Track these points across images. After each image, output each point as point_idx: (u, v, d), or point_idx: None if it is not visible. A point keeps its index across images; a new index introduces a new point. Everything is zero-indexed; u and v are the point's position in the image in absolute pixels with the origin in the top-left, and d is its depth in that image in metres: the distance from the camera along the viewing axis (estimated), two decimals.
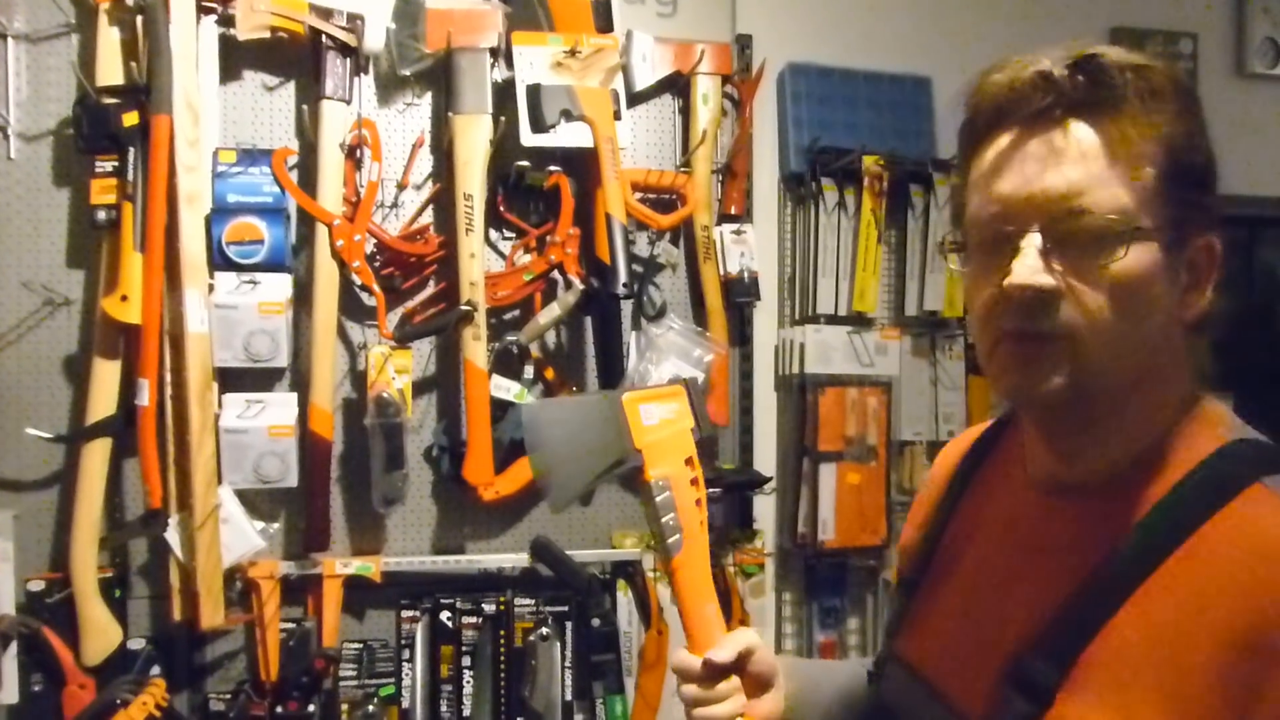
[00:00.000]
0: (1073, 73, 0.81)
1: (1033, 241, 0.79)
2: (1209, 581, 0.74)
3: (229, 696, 2.07)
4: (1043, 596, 0.84)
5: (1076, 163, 0.79)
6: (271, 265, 2.03)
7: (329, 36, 2.06)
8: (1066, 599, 0.81)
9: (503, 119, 2.15)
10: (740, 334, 2.42)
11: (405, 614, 2.18)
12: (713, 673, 0.98)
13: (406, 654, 2.17)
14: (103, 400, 1.97)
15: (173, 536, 1.98)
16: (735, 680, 1.00)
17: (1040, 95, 0.81)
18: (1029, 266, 0.79)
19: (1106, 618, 0.78)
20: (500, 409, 2.17)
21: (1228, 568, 0.74)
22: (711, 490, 2.28)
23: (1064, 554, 0.85)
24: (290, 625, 2.10)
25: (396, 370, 2.11)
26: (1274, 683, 0.70)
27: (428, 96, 2.24)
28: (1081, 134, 0.80)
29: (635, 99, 2.33)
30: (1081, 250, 0.79)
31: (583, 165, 2.24)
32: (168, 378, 1.98)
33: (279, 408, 2.07)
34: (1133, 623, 0.77)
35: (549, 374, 2.26)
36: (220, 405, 2.03)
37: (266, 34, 2.03)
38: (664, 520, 1.01)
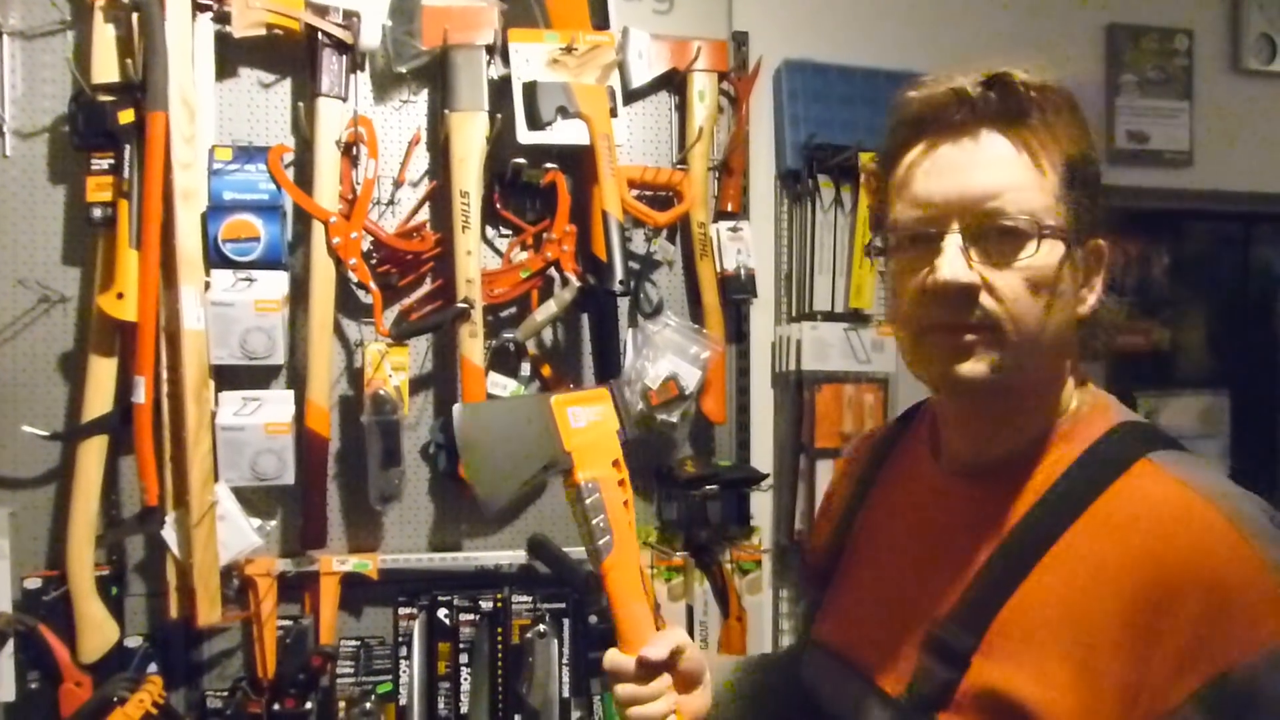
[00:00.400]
0: (985, 89, 0.89)
1: (954, 241, 0.88)
2: (1109, 547, 0.84)
3: (226, 694, 2.07)
4: (957, 571, 0.92)
5: (991, 168, 0.88)
6: (268, 263, 2.03)
7: (325, 33, 2.06)
8: (979, 571, 0.90)
9: (499, 116, 2.15)
10: (737, 331, 2.42)
11: (402, 611, 2.18)
12: (647, 671, 1.01)
13: (404, 651, 2.17)
14: (99, 398, 1.97)
15: (169, 534, 1.98)
16: (667, 678, 1.03)
17: (955, 109, 0.90)
18: (952, 263, 0.87)
19: (1016, 585, 0.87)
20: None
21: (1125, 534, 0.84)
22: (708, 487, 2.28)
23: (974, 531, 0.94)
24: (287, 622, 2.10)
25: (393, 367, 2.11)
26: (1168, 631, 0.79)
27: (424, 93, 2.23)
28: (994, 143, 0.89)
29: (631, 96, 2.33)
30: (998, 247, 0.88)
31: (579, 162, 2.24)
32: (164, 375, 1.98)
33: (275, 405, 2.06)
34: (1041, 588, 0.86)
35: (546, 371, 2.27)
36: (216, 402, 2.03)
37: (262, 31, 2.03)
38: (594, 522, 1.03)
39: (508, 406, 1.14)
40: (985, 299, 0.87)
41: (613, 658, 1.03)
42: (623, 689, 1.01)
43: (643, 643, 1.02)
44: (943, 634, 0.90)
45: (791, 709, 1.14)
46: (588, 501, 1.03)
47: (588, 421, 1.06)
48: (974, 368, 0.88)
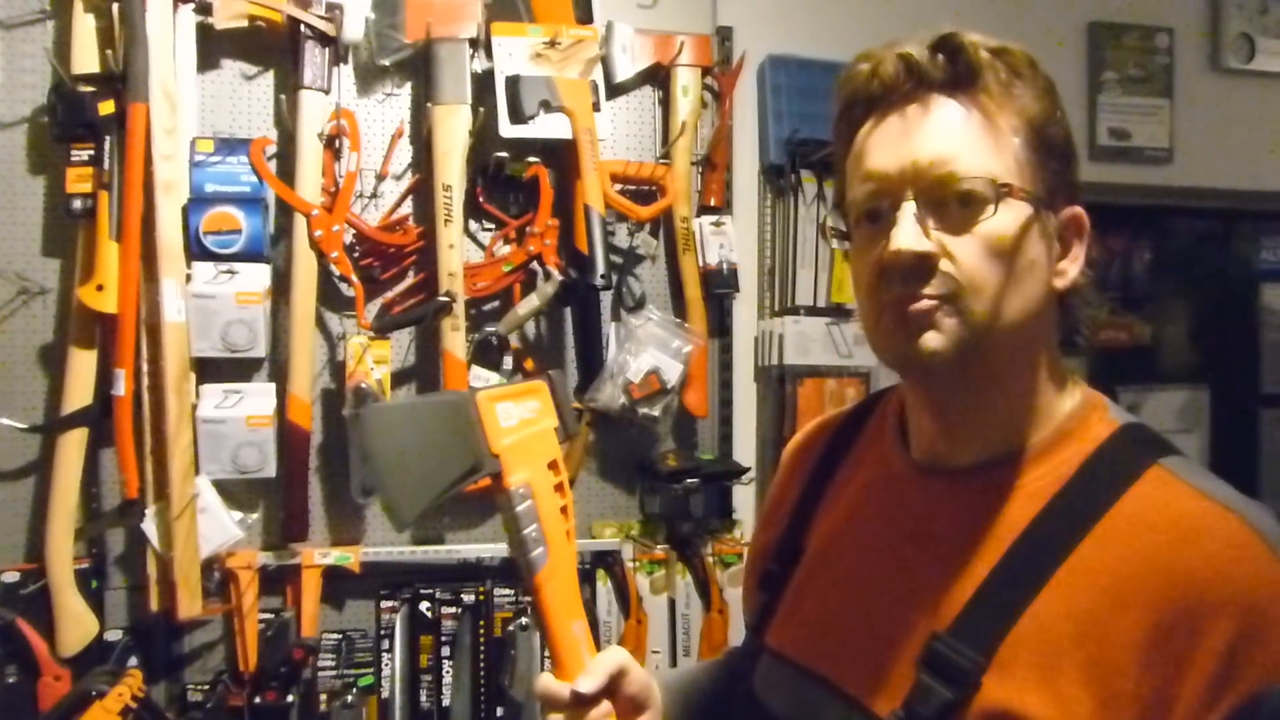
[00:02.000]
0: (933, 53, 0.86)
1: (908, 210, 0.82)
2: (1129, 563, 0.77)
3: (207, 687, 2.07)
4: (953, 580, 0.84)
5: (942, 133, 0.83)
6: (249, 255, 2.03)
7: (307, 26, 2.05)
8: (982, 582, 0.82)
9: (482, 110, 2.15)
10: (719, 325, 2.43)
11: (384, 604, 2.18)
12: (582, 702, 0.90)
13: (386, 644, 2.17)
14: (79, 390, 1.96)
15: (150, 527, 1.97)
16: (606, 705, 0.92)
17: (904, 77, 0.86)
18: (907, 233, 0.81)
19: (1029, 599, 0.79)
20: None
21: (1146, 550, 0.77)
22: (690, 480, 2.29)
23: (969, 536, 0.86)
24: (269, 615, 2.10)
25: (375, 361, 2.11)
26: (1199, 650, 0.73)
27: (407, 87, 2.23)
28: (945, 107, 0.84)
29: (615, 90, 2.33)
30: (954, 213, 0.82)
31: (562, 156, 2.24)
32: (144, 368, 1.98)
33: (257, 398, 2.06)
34: (1055, 602, 0.78)
35: (528, 365, 2.27)
36: (197, 395, 2.03)
37: (244, 23, 2.02)
38: (525, 532, 0.93)
39: (425, 405, 0.98)
40: (945, 267, 0.81)
41: (546, 685, 0.91)
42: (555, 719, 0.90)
43: (579, 666, 0.92)
44: (946, 650, 0.81)
45: None
46: (518, 509, 0.92)
47: (520, 419, 0.95)
48: (935, 339, 0.82)
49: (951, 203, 0.82)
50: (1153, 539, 0.77)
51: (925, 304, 0.82)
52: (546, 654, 2.19)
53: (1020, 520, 0.83)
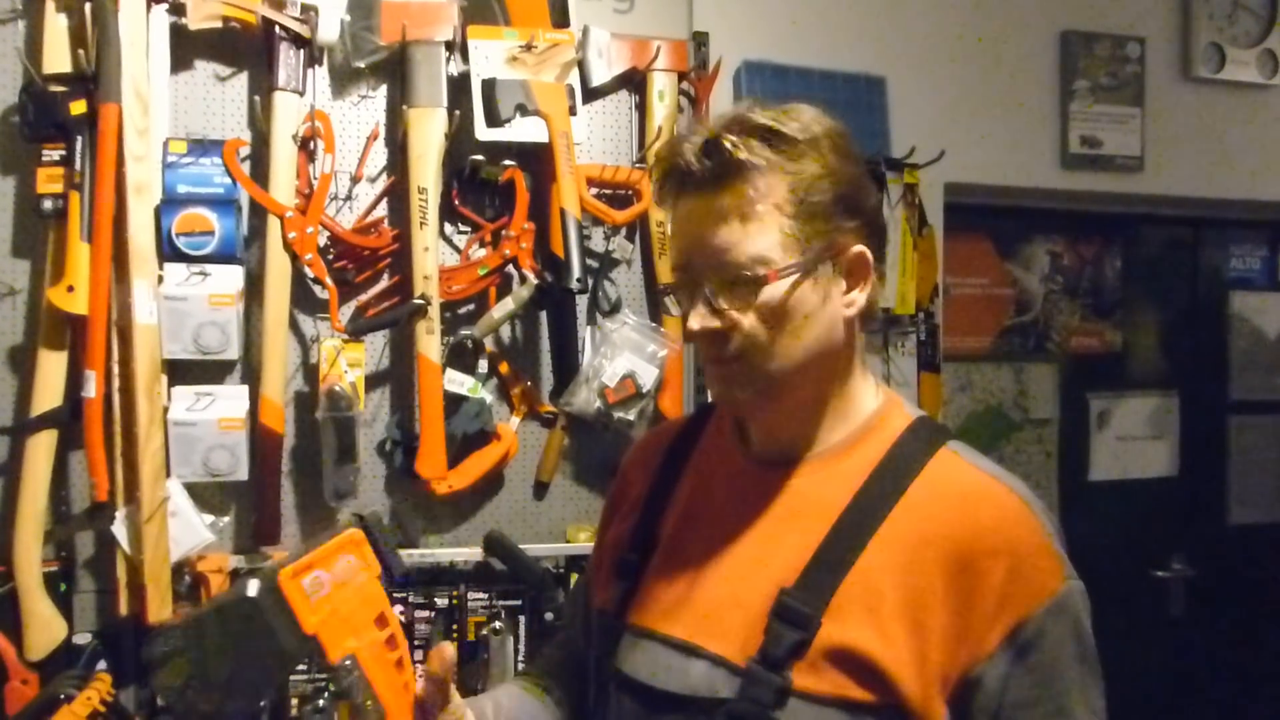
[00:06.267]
0: (700, 158, 1.01)
1: (702, 292, 1.02)
2: (929, 525, 0.99)
3: None
4: (795, 548, 1.03)
5: (721, 225, 1.00)
6: (222, 257, 2.01)
7: (282, 27, 2.04)
8: (817, 548, 1.01)
9: (457, 113, 2.15)
10: None
11: None
12: None
13: None
14: (48, 392, 1.94)
15: (120, 530, 1.96)
16: None
17: (687, 175, 1.02)
18: (700, 314, 1.03)
19: (854, 558, 1.00)
20: (454, 403, 2.18)
21: (941, 514, 1.00)
22: None
23: (802, 514, 1.05)
24: None
25: (349, 364, 2.10)
26: (983, 588, 0.96)
27: (382, 89, 2.22)
28: (722, 202, 1.00)
29: (591, 95, 2.33)
30: (740, 292, 1.01)
31: (538, 160, 2.24)
32: (115, 370, 1.96)
33: (229, 400, 2.05)
34: (875, 560, 0.99)
35: (503, 368, 2.27)
36: (169, 398, 2.01)
37: (218, 23, 2.01)
38: (358, 702, 0.91)
39: (219, 610, 0.89)
40: (735, 337, 1.02)
41: None
42: None
43: None
44: (792, 601, 1.00)
45: (597, 699, 1.16)
46: (345, 683, 0.90)
47: (332, 584, 0.90)
48: (738, 394, 1.05)
49: (735, 284, 1.01)
50: (945, 506, 1.00)
51: (724, 369, 1.04)
52: (520, 659, 2.20)
53: (843, 498, 1.03)
